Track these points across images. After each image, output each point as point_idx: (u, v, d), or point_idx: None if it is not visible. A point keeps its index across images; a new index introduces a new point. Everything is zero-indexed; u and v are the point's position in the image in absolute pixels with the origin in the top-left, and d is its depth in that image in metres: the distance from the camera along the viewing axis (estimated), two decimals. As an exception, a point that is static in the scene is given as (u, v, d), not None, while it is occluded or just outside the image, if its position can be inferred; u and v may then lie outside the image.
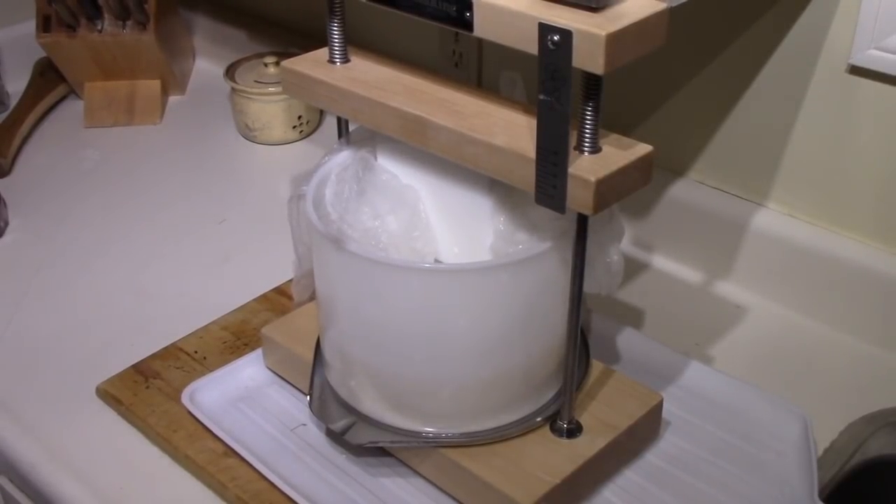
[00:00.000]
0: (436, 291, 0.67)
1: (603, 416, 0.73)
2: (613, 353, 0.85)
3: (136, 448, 0.79)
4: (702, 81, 0.94)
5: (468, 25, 0.61)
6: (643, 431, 0.75)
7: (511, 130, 0.65)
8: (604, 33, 0.55)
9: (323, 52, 0.76)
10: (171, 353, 0.87)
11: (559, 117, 0.58)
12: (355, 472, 0.74)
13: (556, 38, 0.56)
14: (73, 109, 1.32)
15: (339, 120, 0.78)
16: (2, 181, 1.16)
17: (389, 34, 1.18)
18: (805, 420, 0.77)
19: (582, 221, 0.64)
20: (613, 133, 0.64)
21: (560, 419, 0.72)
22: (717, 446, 0.77)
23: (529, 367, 0.71)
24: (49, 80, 1.32)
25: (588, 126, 0.61)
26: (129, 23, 1.25)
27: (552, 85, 0.57)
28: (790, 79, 0.87)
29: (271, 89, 1.19)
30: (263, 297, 0.93)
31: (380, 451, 0.75)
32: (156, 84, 1.30)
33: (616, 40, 0.55)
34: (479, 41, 1.06)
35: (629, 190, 0.63)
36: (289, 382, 0.83)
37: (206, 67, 1.41)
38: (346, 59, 0.75)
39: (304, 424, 0.79)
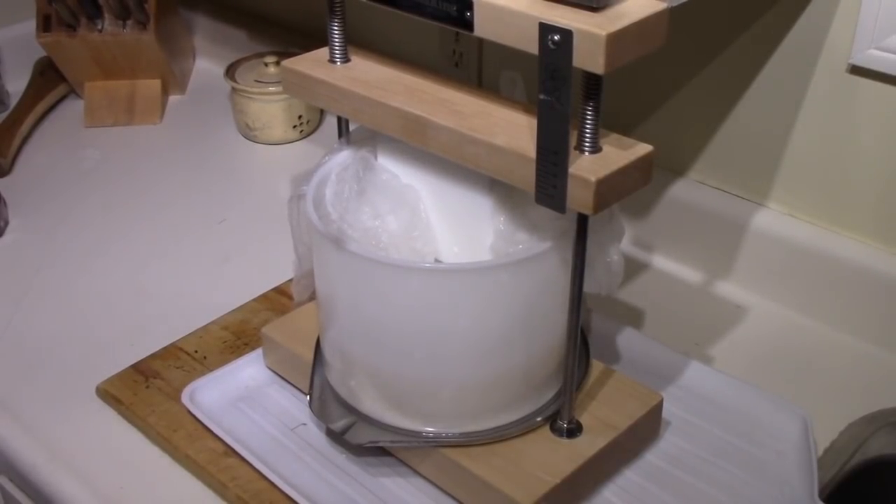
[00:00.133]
0: (436, 291, 0.67)
1: (603, 416, 0.73)
2: (613, 353, 0.85)
3: (136, 448, 0.79)
4: (702, 81, 0.94)
5: (469, 25, 0.61)
6: (643, 431, 0.75)
7: (511, 130, 0.65)
8: (604, 33, 0.55)
9: (323, 52, 0.76)
10: (171, 352, 0.87)
11: (559, 117, 0.58)
12: (355, 472, 0.74)
13: (556, 37, 0.56)
14: (73, 109, 1.32)
15: (339, 120, 0.78)
16: (2, 181, 1.16)
17: (390, 34, 1.18)
18: (805, 420, 0.77)
19: (582, 221, 0.64)
20: (614, 133, 0.64)
21: (560, 419, 0.72)
22: (718, 446, 0.77)
23: (529, 367, 0.71)
24: (49, 80, 1.32)
25: (588, 126, 0.61)
26: (129, 22, 1.25)
27: (552, 85, 0.57)
28: (790, 79, 0.87)
29: (271, 89, 1.19)
30: (263, 297, 0.93)
31: (380, 451, 0.75)
32: (156, 84, 1.30)
33: (616, 40, 0.55)
34: (480, 41, 1.06)
35: (629, 190, 0.63)
36: (289, 382, 0.83)
37: (206, 67, 1.41)
38: (346, 59, 0.75)
39: (305, 424, 0.79)
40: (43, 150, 1.23)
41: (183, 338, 0.88)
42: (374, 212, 0.71)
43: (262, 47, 1.33)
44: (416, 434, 0.72)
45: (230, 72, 1.23)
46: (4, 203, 1.08)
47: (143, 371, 0.85)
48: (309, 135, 1.25)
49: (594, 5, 0.57)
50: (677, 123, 0.97)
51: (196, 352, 0.87)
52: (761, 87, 0.90)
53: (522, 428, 0.72)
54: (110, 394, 0.82)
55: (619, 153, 0.62)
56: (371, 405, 0.73)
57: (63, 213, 1.10)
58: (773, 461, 0.75)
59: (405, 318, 0.68)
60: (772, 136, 0.91)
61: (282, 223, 0.80)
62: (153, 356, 0.86)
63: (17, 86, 1.32)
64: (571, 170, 0.60)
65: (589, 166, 0.61)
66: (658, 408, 0.76)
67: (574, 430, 0.72)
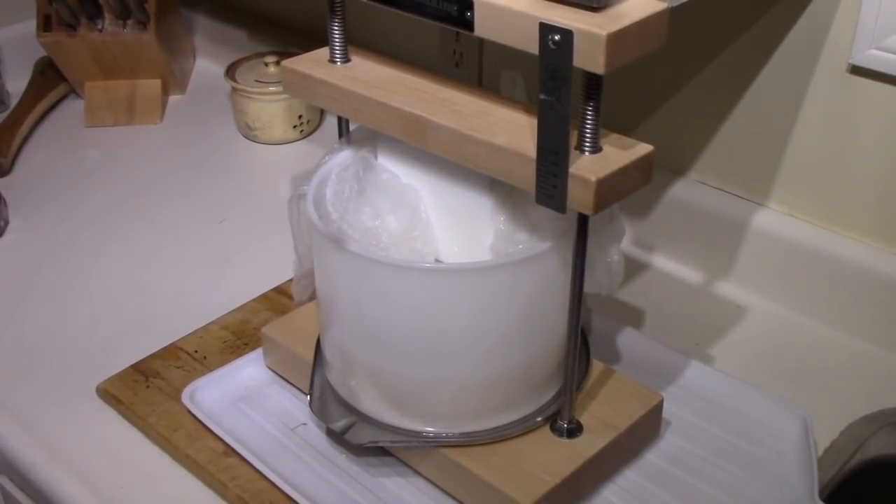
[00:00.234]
0: (436, 291, 0.67)
1: (603, 416, 0.73)
2: (613, 353, 0.85)
3: (137, 448, 0.79)
4: (702, 81, 0.94)
5: (469, 25, 0.61)
6: (643, 431, 0.75)
7: (511, 130, 0.65)
8: (604, 33, 0.55)
9: (323, 52, 0.76)
10: (171, 352, 0.87)
11: (560, 117, 0.58)
12: (355, 472, 0.74)
13: (556, 37, 0.56)
14: (73, 109, 1.32)
15: (339, 119, 0.78)
16: (2, 181, 1.16)
17: (390, 34, 1.18)
18: (805, 420, 0.77)
19: (582, 221, 0.64)
20: (614, 133, 0.64)
21: (560, 419, 0.72)
22: (718, 446, 0.77)
23: (529, 367, 0.71)
24: (49, 80, 1.32)
25: (588, 126, 0.61)
26: (129, 22, 1.25)
27: (553, 85, 0.57)
28: (790, 79, 0.87)
29: (272, 89, 1.19)
30: (263, 297, 0.93)
31: (380, 451, 0.75)
32: (156, 83, 1.30)
33: (617, 40, 0.55)
34: (480, 41, 1.06)
35: (630, 190, 0.63)
36: (289, 382, 0.83)
37: (206, 67, 1.41)
38: (346, 59, 0.75)
39: (305, 424, 0.79)
40: (43, 149, 1.23)
41: (183, 338, 0.88)
42: (374, 212, 0.71)
43: (262, 47, 1.33)
44: (416, 434, 0.72)
45: (230, 72, 1.23)
46: (4, 203, 1.08)
47: (143, 371, 0.85)
48: (309, 135, 1.25)
49: (594, 5, 0.57)
50: (677, 123, 0.97)
51: (196, 352, 0.87)
52: (761, 87, 0.90)
53: (522, 428, 0.72)
54: (110, 393, 0.82)
55: (619, 153, 0.62)
56: (371, 405, 0.73)
57: (63, 213, 1.10)
58: (773, 461, 0.75)
59: (405, 318, 0.68)
60: (772, 136, 0.91)
61: (282, 223, 0.80)
62: (153, 356, 0.86)
63: (17, 85, 1.32)
64: (572, 170, 0.60)
65: (589, 166, 0.61)
66: (658, 408, 0.76)
67: (574, 430, 0.72)
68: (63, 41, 1.25)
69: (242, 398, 0.81)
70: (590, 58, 0.56)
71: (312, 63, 0.75)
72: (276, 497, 0.72)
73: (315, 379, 0.77)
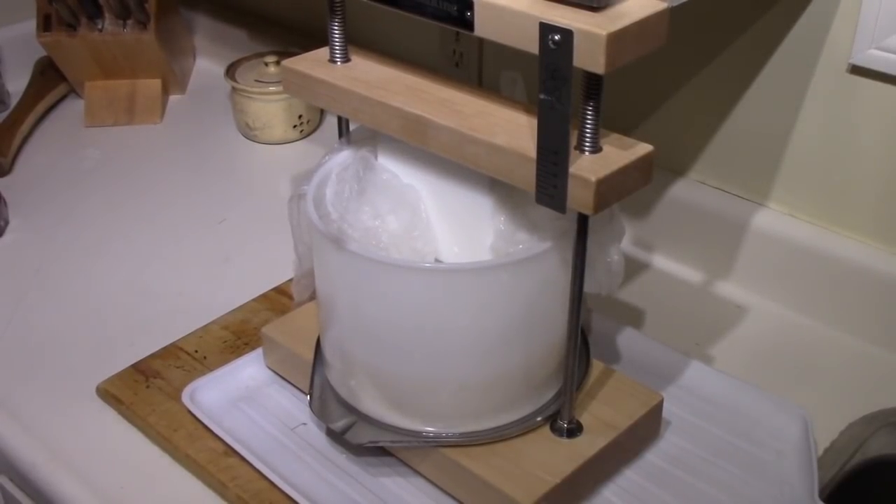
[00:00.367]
0: (436, 291, 0.67)
1: (603, 416, 0.73)
2: (613, 353, 0.85)
3: (137, 447, 0.79)
4: (702, 81, 0.94)
5: (469, 25, 0.61)
6: (643, 431, 0.75)
7: (512, 130, 0.65)
8: (604, 33, 0.55)
9: (324, 52, 0.76)
10: (171, 352, 0.87)
11: (560, 117, 0.58)
12: (355, 472, 0.74)
13: (556, 37, 0.56)
14: (73, 109, 1.32)
15: (339, 119, 0.78)
16: (2, 180, 1.16)
17: (390, 34, 1.18)
18: (805, 420, 0.77)
19: (582, 221, 0.64)
20: (614, 133, 0.64)
21: (560, 419, 0.72)
22: (718, 446, 0.77)
23: (529, 367, 0.71)
24: (49, 80, 1.32)
25: (588, 126, 0.61)
26: (129, 22, 1.25)
27: (553, 84, 0.57)
28: (790, 79, 0.87)
29: (272, 89, 1.19)
30: (263, 297, 0.93)
31: (380, 451, 0.75)
32: (156, 83, 1.30)
33: (617, 40, 0.55)
34: (480, 41, 1.06)
35: (630, 190, 0.63)
36: (289, 382, 0.83)
37: (206, 67, 1.41)
38: (346, 59, 0.75)
39: (305, 424, 0.79)
40: (43, 149, 1.23)
41: (183, 338, 0.88)
42: (374, 212, 0.71)
43: (262, 47, 1.33)
44: (416, 434, 0.72)
45: (230, 71, 1.23)
46: (4, 203, 1.08)
47: (143, 371, 0.85)
48: (309, 135, 1.25)
49: (594, 5, 0.57)
50: (677, 123, 0.97)
51: (196, 352, 0.87)
52: (761, 87, 0.90)
53: (522, 428, 0.72)
54: (110, 393, 0.82)
55: (619, 153, 0.62)
56: (371, 405, 0.73)
57: (63, 213, 1.10)
58: (773, 461, 0.75)
59: (405, 318, 0.68)
60: (772, 136, 0.91)
61: (282, 223, 0.80)
62: (153, 356, 0.86)
63: (17, 85, 1.32)
64: (572, 170, 0.60)
65: (589, 166, 0.61)
66: (658, 408, 0.76)
67: (574, 430, 0.72)
68: (63, 41, 1.25)
69: (242, 398, 0.81)
70: (590, 58, 0.56)
71: (312, 63, 0.75)
72: (276, 497, 0.72)
73: (315, 379, 0.77)
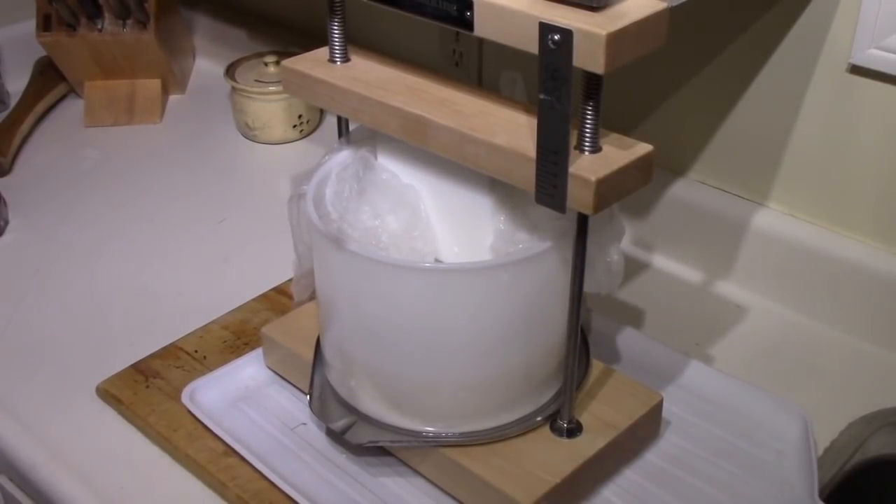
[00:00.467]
0: (436, 291, 0.67)
1: (603, 416, 0.73)
2: (613, 352, 0.85)
3: (136, 447, 0.79)
4: (702, 81, 0.94)
5: (469, 25, 0.61)
6: (643, 431, 0.75)
7: (511, 130, 0.65)
8: (604, 33, 0.55)
9: (323, 52, 0.76)
10: (171, 352, 0.87)
11: (559, 117, 0.58)
12: (355, 472, 0.74)
13: (556, 37, 0.56)
14: (73, 109, 1.32)
15: (339, 119, 0.78)
16: (2, 180, 1.16)
17: (390, 34, 1.18)
18: (805, 420, 0.77)
19: (582, 221, 0.64)
20: (614, 133, 0.64)
21: (560, 419, 0.72)
22: (718, 446, 0.77)
23: (529, 367, 0.71)
24: (49, 80, 1.32)
25: (588, 126, 0.61)
26: (129, 22, 1.25)
27: (552, 84, 0.57)
28: (790, 78, 0.87)
29: (272, 88, 1.19)
30: (263, 297, 0.93)
31: (380, 451, 0.75)
32: (156, 83, 1.30)
33: (616, 40, 0.55)
34: (480, 41, 1.06)
35: (629, 189, 0.63)
36: (289, 382, 0.83)
37: (206, 67, 1.41)
38: (346, 59, 0.75)
39: (305, 424, 0.79)
40: (43, 149, 1.23)
41: (183, 338, 0.88)
42: (374, 211, 0.71)
43: (262, 47, 1.33)
44: (416, 434, 0.72)
45: (230, 71, 1.23)
46: (4, 203, 1.08)
47: (143, 371, 0.85)
48: (309, 134, 1.25)
49: (594, 5, 0.57)
50: (677, 123, 0.97)
51: (196, 351, 0.87)
52: (761, 87, 0.90)
53: (522, 428, 0.72)
54: (110, 393, 0.82)
55: (619, 153, 0.62)
56: (371, 405, 0.73)
57: (63, 213, 1.10)
58: (773, 461, 0.75)
59: (405, 318, 0.68)
60: (772, 136, 0.91)
61: (282, 223, 0.80)
62: (153, 356, 0.86)
63: (17, 85, 1.32)
64: (571, 169, 0.60)
65: (589, 166, 0.61)
66: (658, 407, 0.76)
67: (574, 430, 0.72)
68: (63, 41, 1.25)
69: (242, 398, 0.81)
70: (590, 57, 0.56)
71: (312, 63, 0.75)
72: (275, 497, 0.72)
73: (315, 379, 0.77)
